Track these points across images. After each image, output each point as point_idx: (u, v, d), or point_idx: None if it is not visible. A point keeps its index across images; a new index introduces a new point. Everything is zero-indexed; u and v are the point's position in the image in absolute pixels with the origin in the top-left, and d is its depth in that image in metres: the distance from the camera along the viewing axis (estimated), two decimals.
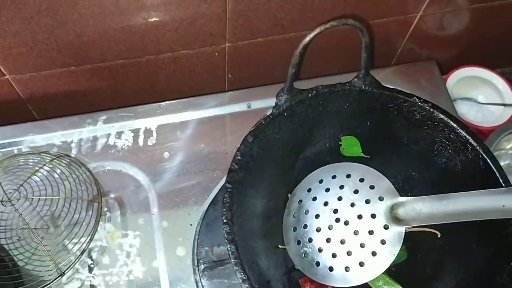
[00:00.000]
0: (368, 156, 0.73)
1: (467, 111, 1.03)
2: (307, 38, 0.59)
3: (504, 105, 1.01)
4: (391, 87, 0.68)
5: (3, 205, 0.69)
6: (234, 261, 0.55)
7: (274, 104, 0.66)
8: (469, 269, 0.64)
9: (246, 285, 0.54)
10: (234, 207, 0.59)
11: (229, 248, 0.56)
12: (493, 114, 1.02)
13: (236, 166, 0.61)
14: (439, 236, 0.68)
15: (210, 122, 0.86)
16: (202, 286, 0.72)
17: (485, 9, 0.93)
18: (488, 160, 0.62)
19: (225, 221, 0.57)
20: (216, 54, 0.87)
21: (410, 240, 0.70)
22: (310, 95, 0.66)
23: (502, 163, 0.96)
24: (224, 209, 0.58)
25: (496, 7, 0.92)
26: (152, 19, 0.76)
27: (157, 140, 0.84)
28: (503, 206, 0.55)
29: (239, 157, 0.61)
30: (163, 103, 0.87)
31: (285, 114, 0.65)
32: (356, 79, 0.67)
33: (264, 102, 0.88)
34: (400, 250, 0.65)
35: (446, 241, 0.68)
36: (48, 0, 0.68)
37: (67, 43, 0.76)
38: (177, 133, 0.85)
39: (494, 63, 1.06)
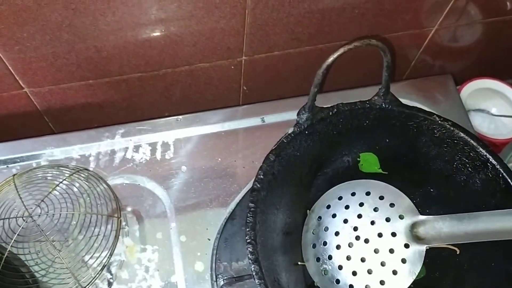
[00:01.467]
0: (386, 173, 0.73)
1: (480, 123, 1.03)
2: (330, 59, 0.59)
3: None
4: (410, 104, 0.68)
5: (24, 220, 0.69)
6: (258, 282, 0.56)
7: (288, 119, 0.67)
8: (488, 287, 0.65)
9: None
10: (257, 226, 0.60)
11: (253, 269, 0.56)
12: (506, 126, 1.03)
13: (258, 185, 0.61)
14: (458, 253, 0.68)
15: (226, 136, 0.87)
16: None
17: (499, 23, 0.93)
18: (509, 179, 0.63)
19: (248, 241, 0.58)
20: (232, 67, 0.87)
21: (429, 256, 0.71)
22: (331, 113, 0.66)
23: None
24: (247, 229, 0.58)
25: (508, 21, 0.93)
26: (171, 35, 0.76)
27: (175, 153, 0.84)
28: None
29: (261, 176, 0.62)
30: (180, 117, 0.87)
31: (306, 132, 0.66)
32: (376, 97, 0.67)
33: (279, 117, 0.89)
34: None
35: (465, 259, 0.68)
36: (71, 17, 0.68)
37: (87, 58, 0.77)
38: (194, 147, 0.85)
39: (506, 74, 1.07)
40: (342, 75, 0.94)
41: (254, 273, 0.56)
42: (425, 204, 0.73)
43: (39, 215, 0.69)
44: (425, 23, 0.88)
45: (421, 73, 1.01)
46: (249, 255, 0.57)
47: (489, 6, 0.88)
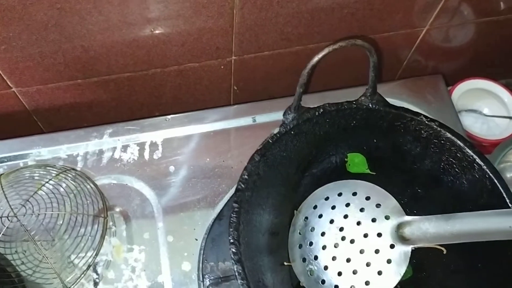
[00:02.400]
0: (374, 173, 0.73)
1: (472, 124, 1.03)
2: (315, 59, 0.59)
3: (510, 118, 1.01)
4: (394, 102, 0.68)
5: (9, 220, 0.69)
6: (240, 282, 0.55)
7: (279, 119, 0.66)
8: None
9: None
10: (241, 226, 0.59)
11: (235, 269, 0.56)
12: (498, 127, 1.03)
13: (243, 186, 0.61)
14: (444, 252, 0.67)
15: (215, 136, 0.86)
16: None
17: (492, 23, 0.93)
18: (495, 180, 0.62)
19: (231, 241, 0.57)
20: (222, 67, 0.87)
21: (416, 257, 0.70)
22: (317, 113, 0.66)
23: (508, 175, 0.96)
24: (230, 229, 0.58)
25: (501, 21, 0.93)
26: (159, 34, 0.76)
27: (163, 153, 0.84)
28: (510, 227, 0.55)
29: (246, 177, 0.61)
30: (168, 117, 0.87)
31: (292, 132, 0.66)
32: (363, 97, 0.67)
33: (269, 116, 0.89)
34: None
35: (451, 260, 0.67)
36: (56, 16, 0.68)
37: (74, 58, 0.77)
38: (183, 147, 0.85)
39: (499, 74, 1.07)
40: (331, 76, 0.94)
41: (236, 273, 0.56)
42: (413, 205, 0.72)
43: (24, 215, 0.69)
44: (416, 23, 0.88)
45: (414, 73, 1.00)
46: (232, 256, 0.57)
47: (481, 6, 0.88)
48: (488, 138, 0.98)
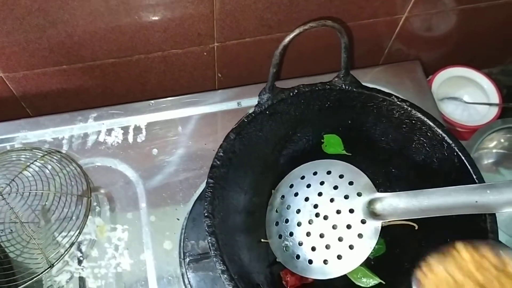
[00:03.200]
0: (350, 154, 0.75)
1: (453, 110, 1.05)
2: (287, 39, 0.61)
3: (489, 104, 1.03)
4: (372, 86, 0.70)
5: None
6: (214, 253, 0.57)
7: None
8: None
9: (225, 276, 0.56)
10: (216, 201, 0.61)
11: (209, 240, 0.58)
12: (478, 113, 1.05)
13: (218, 162, 0.63)
14: (416, 228, 0.70)
15: (199, 120, 0.88)
16: (188, 278, 0.74)
17: (471, 10, 0.94)
18: (463, 157, 0.64)
19: (206, 214, 0.60)
20: (205, 53, 0.89)
21: (389, 234, 0.73)
22: (291, 94, 0.68)
23: (485, 162, 0.98)
24: (205, 203, 0.60)
25: (482, 8, 0.94)
26: (141, 20, 0.78)
27: (146, 137, 0.86)
28: (476, 202, 0.57)
29: (221, 154, 0.64)
30: (152, 101, 0.89)
31: (267, 112, 0.68)
32: (336, 79, 0.69)
33: (254, 101, 0.89)
34: (379, 244, 0.67)
35: (423, 236, 0.70)
36: (39, 1, 0.70)
37: (59, 43, 0.78)
38: (166, 131, 0.87)
39: (481, 63, 1.08)
40: (311, 63, 0.96)
41: (210, 245, 0.58)
42: (388, 184, 0.75)
43: (9, 193, 0.71)
44: (395, 10, 0.89)
45: (396, 61, 1.02)
46: (206, 228, 0.59)
47: None
48: (468, 125, 1.00)
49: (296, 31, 0.61)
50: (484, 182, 0.63)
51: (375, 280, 0.70)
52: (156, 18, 0.78)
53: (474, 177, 0.63)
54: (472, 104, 1.05)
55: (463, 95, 1.07)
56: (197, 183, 0.82)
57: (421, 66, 0.96)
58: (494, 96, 1.03)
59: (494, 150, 1.00)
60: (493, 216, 0.60)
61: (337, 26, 0.62)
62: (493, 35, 1.04)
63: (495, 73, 1.13)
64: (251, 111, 0.67)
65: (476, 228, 0.62)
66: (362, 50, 0.97)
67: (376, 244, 0.64)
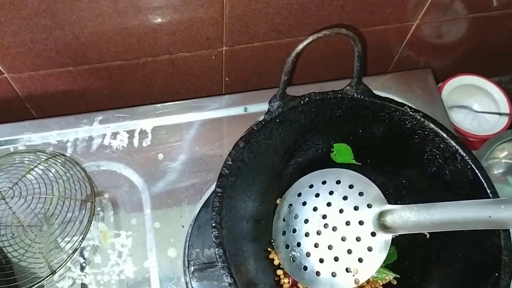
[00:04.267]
0: (360, 163, 0.74)
1: (462, 119, 1.04)
2: (300, 47, 0.60)
3: (499, 114, 1.01)
4: (383, 95, 0.69)
5: None
6: (221, 265, 0.56)
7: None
8: (455, 278, 0.65)
9: None
10: (224, 211, 0.60)
11: (216, 252, 0.57)
12: (488, 123, 1.03)
13: (226, 171, 0.62)
14: (427, 237, 0.69)
15: (205, 125, 0.87)
16: (192, 287, 0.73)
17: (483, 19, 0.93)
18: (477, 171, 0.63)
19: (214, 225, 0.58)
20: (213, 57, 0.88)
21: (399, 247, 0.72)
22: (302, 102, 0.67)
23: (495, 172, 0.97)
24: (213, 213, 0.59)
25: (493, 16, 0.93)
26: (150, 23, 0.76)
27: (152, 141, 0.85)
28: (489, 217, 0.55)
29: (229, 162, 0.62)
30: (159, 105, 0.88)
31: (277, 120, 0.66)
32: (348, 87, 0.68)
33: (261, 106, 0.89)
34: (390, 251, 0.66)
35: (433, 250, 0.68)
36: (47, 1, 0.69)
37: (65, 44, 0.77)
38: (172, 135, 0.86)
39: (491, 71, 1.07)
40: (322, 69, 0.95)
41: (217, 257, 0.56)
42: (398, 195, 0.74)
43: (12, 197, 0.70)
44: (407, 17, 0.88)
45: (406, 68, 1.01)
46: (213, 239, 0.57)
47: (473, 2, 0.88)
48: (478, 134, 0.99)
49: (310, 39, 0.59)
50: (498, 197, 0.61)
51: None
52: (165, 20, 0.77)
53: (488, 191, 0.62)
54: (482, 113, 1.04)
55: (473, 103, 1.05)
56: (202, 189, 0.81)
57: (432, 74, 0.95)
58: (504, 105, 1.02)
59: (504, 160, 0.98)
60: (507, 232, 0.59)
61: (351, 35, 0.61)
62: (504, 44, 1.03)
63: (505, 82, 1.12)
64: (260, 118, 0.65)
65: (490, 243, 0.60)
66: (371, 56, 0.96)
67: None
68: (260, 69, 0.94)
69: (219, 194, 0.60)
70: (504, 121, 1.00)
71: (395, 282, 0.70)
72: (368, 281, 0.69)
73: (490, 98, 1.04)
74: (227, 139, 0.87)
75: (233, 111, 0.90)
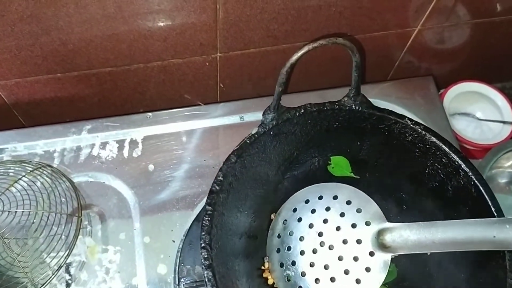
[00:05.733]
0: (358, 177, 0.71)
1: (465, 127, 1.01)
2: (294, 57, 0.57)
3: (503, 122, 0.98)
4: (383, 103, 0.66)
5: None
6: None
7: None
8: None
9: None
10: (214, 230, 0.57)
11: (205, 275, 0.54)
12: (491, 131, 1.00)
13: (217, 188, 0.59)
14: (429, 254, 0.66)
15: (199, 134, 0.84)
16: None
17: (486, 24, 0.90)
18: (481, 188, 0.60)
19: (203, 245, 0.55)
20: (207, 64, 0.85)
21: (399, 266, 0.69)
22: (298, 113, 0.64)
23: (500, 181, 0.94)
24: (202, 233, 0.56)
25: (496, 22, 0.90)
26: (140, 28, 0.73)
27: (143, 151, 0.82)
28: (494, 237, 0.53)
29: (220, 178, 0.59)
30: (150, 114, 0.85)
31: (271, 133, 0.63)
32: (346, 98, 0.65)
33: (257, 115, 0.85)
34: (390, 268, 0.63)
35: (434, 270, 0.65)
36: (32, 7, 0.66)
37: (52, 50, 0.74)
38: (164, 145, 0.83)
39: (494, 78, 1.04)
40: (319, 77, 0.92)
41: (206, 279, 0.54)
42: (396, 211, 0.71)
43: None
44: (407, 23, 0.85)
45: (406, 75, 0.98)
46: (202, 261, 0.55)
47: (475, 7, 0.86)
48: (480, 143, 0.96)
49: (305, 49, 0.56)
50: (503, 215, 0.58)
51: None
52: (156, 26, 0.74)
53: (493, 209, 0.59)
54: (484, 121, 1.01)
55: (476, 111, 1.02)
56: (194, 202, 0.78)
57: (433, 82, 0.92)
58: (508, 113, 0.99)
59: (508, 170, 0.95)
60: None
61: (349, 44, 0.58)
62: (507, 50, 1.00)
63: (509, 88, 1.09)
64: (254, 131, 0.62)
65: (494, 265, 0.57)
66: (371, 63, 0.93)
67: None
68: (256, 76, 0.91)
69: (208, 212, 0.57)
70: (508, 130, 0.97)
71: None
72: None
73: (493, 106, 1.01)
74: (222, 149, 0.84)
75: (228, 119, 0.87)
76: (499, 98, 0.99)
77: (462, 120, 1.02)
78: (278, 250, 0.66)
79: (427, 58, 0.97)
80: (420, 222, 0.58)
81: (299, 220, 0.66)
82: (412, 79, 0.93)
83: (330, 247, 0.63)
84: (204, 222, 0.57)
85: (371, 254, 0.61)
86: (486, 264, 0.58)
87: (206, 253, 0.55)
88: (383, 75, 1.00)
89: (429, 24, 0.86)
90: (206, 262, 0.54)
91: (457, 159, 0.62)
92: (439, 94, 0.96)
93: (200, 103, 0.89)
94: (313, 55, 0.86)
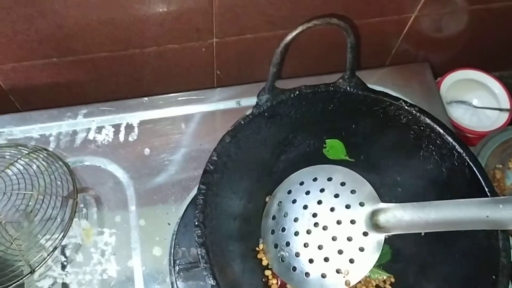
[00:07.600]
0: (353, 160, 0.71)
1: (462, 115, 1.01)
2: (289, 37, 0.57)
3: (500, 109, 0.98)
4: (379, 89, 0.66)
5: None
6: (204, 266, 0.53)
7: None
8: (451, 280, 0.62)
9: None
10: (208, 209, 0.57)
11: (199, 252, 0.54)
12: (488, 119, 1.00)
13: (211, 167, 0.59)
14: (422, 234, 0.66)
15: (195, 119, 0.84)
16: (177, 287, 0.70)
17: (483, 11, 0.90)
18: (475, 169, 0.60)
19: (196, 223, 0.55)
20: (203, 49, 0.85)
21: (394, 248, 0.69)
22: (292, 95, 0.64)
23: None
24: (196, 211, 0.56)
25: (494, 8, 0.90)
26: (136, 12, 0.73)
27: (139, 136, 0.82)
28: (487, 216, 0.53)
29: (215, 158, 0.59)
30: (146, 98, 0.85)
31: (266, 114, 0.63)
32: (341, 80, 0.65)
33: (254, 100, 0.85)
34: (383, 250, 0.63)
35: (428, 250, 0.65)
36: None
37: (48, 35, 0.74)
38: (160, 130, 0.83)
39: (492, 66, 1.04)
40: (314, 63, 0.92)
41: (200, 257, 0.54)
42: (392, 193, 0.71)
43: None
44: (404, 8, 0.85)
45: (403, 62, 0.98)
46: (196, 238, 0.55)
47: None
48: (477, 130, 0.96)
49: (299, 29, 0.56)
50: (497, 196, 0.58)
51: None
52: (152, 10, 0.74)
53: (486, 189, 0.59)
54: (481, 109, 1.01)
55: (473, 99, 1.02)
56: (190, 186, 0.78)
57: (430, 68, 0.92)
58: (505, 101, 0.98)
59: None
60: (505, 233, 0.56)
61: (343, 25, 0.58)
62: (505, 37, 1.00)
63: (506, 77, 1.09)
64: (248, 112, 0.62)
65: (487, 244, 0.57)
66: (368, 49, 0.93)
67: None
68: (253, 62, 0.91)
69: (203, 191, 0.57)
70: (504, 117, 0.97)
71: (388, 283, 0.68)
72: (360, 282, 0.66)
73: (490, 93, 1.00)
74: (218, 133, 0.81)
75: (225, 104, 0.87)
76: (496, 86, 0.99)
77: (459, 108, 1.01)
78: (273, 232, 0.66)
79: (424, 46, 0.97)
80: (414, 203, 0.59)
81: (294, 201, 0.66)
82: (409, 65, 0.93)
83: (324, 228, 0.63)
84: (198, 201, 0.57)
85: (365, 234, 0.61)
86: (479, 243, 0.58)
87: (199, 231, 0.55)
88: (379, 62, 1.00)
89: (426, 11, 0.86)
90: (199, 240, 0.55)
91: (451, 140, 0.62)
92: (436, 81, 0.96)
93: None
94: (310, 40, 0.87)
